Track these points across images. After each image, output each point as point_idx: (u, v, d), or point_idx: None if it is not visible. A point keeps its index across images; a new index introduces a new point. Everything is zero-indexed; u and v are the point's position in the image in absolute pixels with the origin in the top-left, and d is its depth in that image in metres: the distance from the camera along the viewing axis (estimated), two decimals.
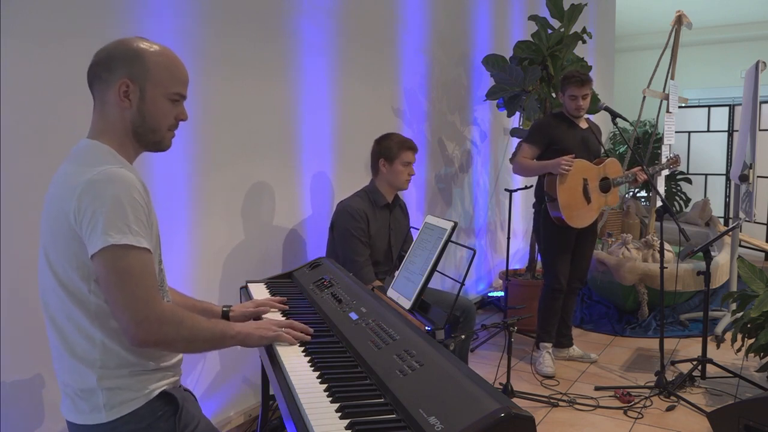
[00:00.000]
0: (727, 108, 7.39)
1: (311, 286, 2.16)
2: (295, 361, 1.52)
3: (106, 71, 1.36)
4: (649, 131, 7.49)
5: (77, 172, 1.29)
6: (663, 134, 4.92)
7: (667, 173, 5.68)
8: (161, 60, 1.38)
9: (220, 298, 2.67)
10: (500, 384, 3.17)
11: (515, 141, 4.79)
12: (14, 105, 1.90)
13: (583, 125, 3.55)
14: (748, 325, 3.18)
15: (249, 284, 2.30)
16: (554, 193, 3.37)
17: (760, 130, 5.51)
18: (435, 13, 4.20)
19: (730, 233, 4.50)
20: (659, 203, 3.77)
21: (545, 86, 4.25)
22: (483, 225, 5.10)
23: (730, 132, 7.36)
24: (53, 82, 2.00)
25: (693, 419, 2.97)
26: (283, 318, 1.84)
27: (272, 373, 1.52)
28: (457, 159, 4.63)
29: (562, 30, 4.24)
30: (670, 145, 4.89)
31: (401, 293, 2.04)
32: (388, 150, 2.91)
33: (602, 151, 3.62)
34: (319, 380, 1.40)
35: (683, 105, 5.55)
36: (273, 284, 2.31)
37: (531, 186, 4.29)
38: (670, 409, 3.06)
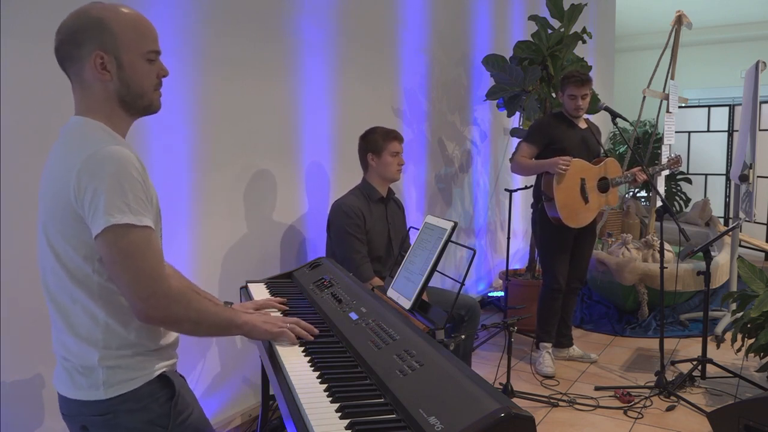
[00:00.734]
0: (727, 108, 7.39)
1: (311, 286, 2.16)
2: (295, 361, 1.52)
3: (75, 48, 1.31)
4: (649, 131, 7.49)
5: (72, 151, 1.27)
6: (663, 134, 4.92)
7: (668, 173, 5.69)
8: (127, 22, 1.33)
9: (219, 297, 2.66)
10: (500, 384, 3.17)
11: (515, 141, 4.79)
12: (14, 105, 1.90)
13: (583, 125, 3.55)
14: (748, 325, 3.18)
15: (249, 284, 2.30)
16: (551, 193, 3.37)
17: (760, 130, 5.51)
18: (435, 13, 4.20)
19: (730, 233, 4.50)
20: (659, 203, 3.78)
21: (545, 86, 4.25)
22: (483, 225, 5.10)
23: (730, 132, 7.36)
24: (53, 82, 2.00)
25: (693, 419, 2.97)
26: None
27: (272, 373, 1.52)
28: (457, 159, 4.62)
29: (562, 30, 4.24)
30: (670, 145, 4.90)
31: (401, 293, 2.04)
32: (374, 143, 2.91)
33: (601, 151, 3.62)
34: (319, 380, 1.40)
35: (683, 105, 5.55)
36: (273, 284, 2.31)
37: (531, 186, 4.29)
38: (670, 409, 3.06)
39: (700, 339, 3.44)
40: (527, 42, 4.23)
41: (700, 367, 3.40)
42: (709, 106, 7.59)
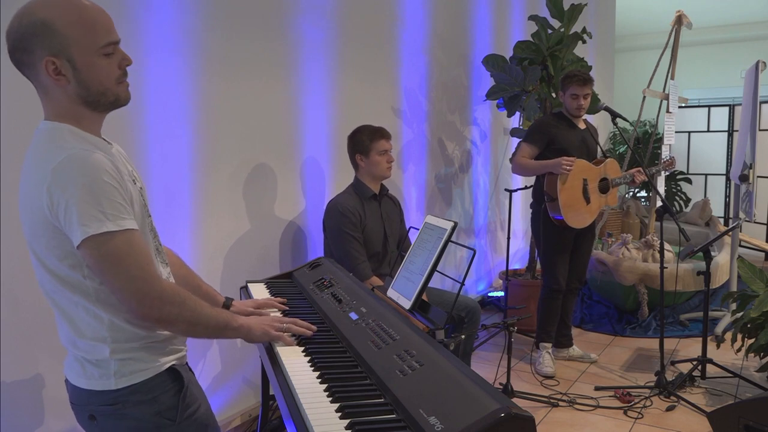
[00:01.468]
0: (727, 108, 7.38)
1: (311, 286, 2.16)
2: (295, 361, 1.52)
3: (25, 54, 1.24)
4: (649, 131, 7.49)
5: (41, 162, 1.24)
6: (663, 134, 4.92)
7: (667, 174, 5.69)
8: (73, 19, 1.23)
9: None
10: (500, 384, 3.17)
11: (515, 141, 4.79)
12: (15, 105, 1.90)
13: (582, 125, 3.55)
14: (748, 325, 3.18)
15: (249, 284, 2.30)
16: (555, 194, 3.36)
17: (760, 130, 5.51)
18: (435, 13, 4.20)
19: (730, 233, 4.50)
20: (659, 203, 3.78)
21: (545, 86, 4.25)
22: (483, 225, 5.10)
23: (730, 132, 7.35)
24: None
25: (693, 419, 2.97)
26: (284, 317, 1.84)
27: (272, 373, 1.52)
28: (457, 159, 4.62)
29: (562, 30, 4.24)
30: (670, 145, 4.90)
31: (401, 293, 2.04)
32: (361, 144, 2.90)
33: (599, 151, 3.62)
34: (319, 380, 1.40)
35: (683, 105, 5.55)
36: (273, 284, 2.31)
37: (531, 186, 4.29)
38: (670, 409, 3.06)
39: (700, 339, 3.44)
40: (527, 42, 4.23)
41: (700, 367, 3.40)
42: (709, 106, 7.58)
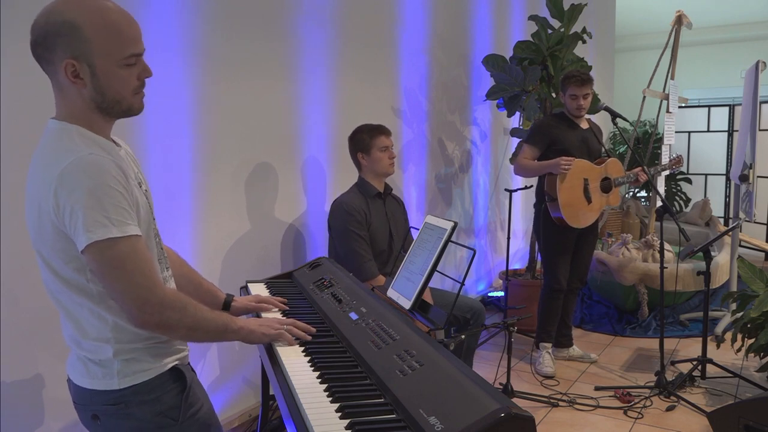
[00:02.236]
0: (727, 108, 7.38)
1: (311, 286, 2.16)
2: (295, 361, 1.52)
3: (47, 51, 1.23)
4: (649, 131, 7.49)
5: (49, 164, 1.24)
6: (663, 134, 4.92)
7: (668, 173, 5.69)
8: (103, 25, 1.22)
9: None
10: (500, 384, 3.17)
11: (515, 141, 4.79)
12: (15, 105, 1.90)
13: (584, 125, 3.55)
14: (748, 325, 3.18)
15: (249, 284, 2.31)
16: (554, 193, 3.36)
17: (760, 130, 5.51)
18: (435, 14, 4.20)
19: (730, 233, 4.50)
20: (659, 203, 3.78)
21: (545, 86, 4.25)
22: (483, 225, 5.10)
23: (730, 132, 7.35)
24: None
25: (693, 419, 2.97)
26: (284, 317, 1.84)
27: (272, 373, 1.52)
28: (457, 159, 4.62)
29: (562, 30, 4.24)
30: (670, 145, 4.90)
31: (401, 293, 2.04)
32: (362, 142, 2.91)
33: (603, 151, 3.62)
34: (319, 380, 1.40)
35: (683, 105, 5.55)
36: (273, 284, 2.31)
37: (531, 186, 4.29)
38: (670, 409, 3.06)
39: (700, 339, 3.44)
40: (527, 42, 4.23)
41: (700, 367, 3.40)
42: (709, 106, 7.58)
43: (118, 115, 1.32)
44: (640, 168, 3.56)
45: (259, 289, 2.22)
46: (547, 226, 3.50)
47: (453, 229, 1.97)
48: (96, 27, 1.22)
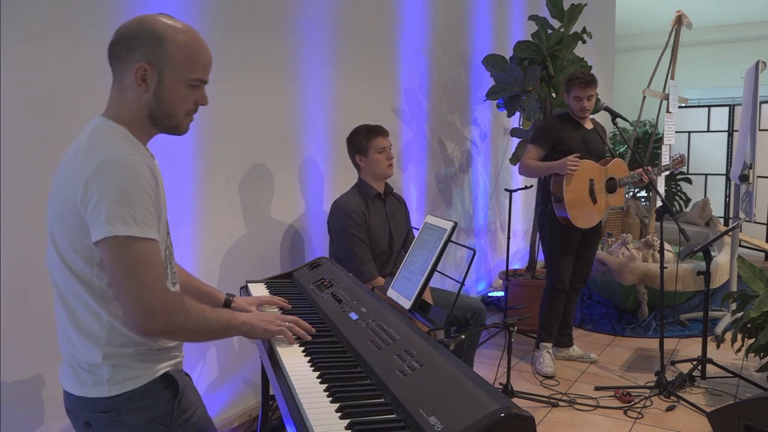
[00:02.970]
0: (727, 108, 7.38)
1: (311, 286, 2.16)
2: (295, 361, 1.52)
3: (126, 50, 1.32)
4: (649, 131, 7.49)
5: (87, 155, 1.27)
6: (663, 134, 4.92)
7: (668, 173, 5.69)
8: (183, 43, 1.33)
9: None
10: (500, 384, 3.17)
11: (515, 141, 4.79)
12: (15, 105, 1.90)
13: (588, 126, 3.55)
14: (748, 325, 3.18)
15: (249, 284, 2.30)
16: (561, 194, 3.37)
17: (760, 130, 5.51)
18: (435, 14, 4.20)
19: (730, 233, 4.50)
20: (659, 203, 3.78)
21: (545, 86, 4.25)
22: (483, 225, 5.10)
23: (730, 132, 7.35)
24: (54, 82, 2.00)
25: (693, 419, 2.97)
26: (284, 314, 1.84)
27: (272, 373, 1.52)
28: (457, 159, 4.62)
29: (562, 30, 4.24)
30: (670, 145, 4.89)
31: (401, 293, 2.04)
32: (358, 144, 2.89)
33: (607, 151, 3.63)
34: (319, 380, 1.40)
35: (683, 105, 5.55)
36: (273, 284, 2.31)
37: (531, 186, 4.29)
38: (670, 409, 3.06)
39: (700, 339, 3.44)
40: (527, 42, 4.23)
41: (700, 367, 3.40)
42: (709, 106, 7.58)
43: (163, 129, 1.39)
44: (642, 168, 3.56)
45: (259, 289, 2.22)
46: (553, 226, 3.50)
47: (453, 229, 1.97)
48: (177, 44, 1.33)
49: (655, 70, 5.14)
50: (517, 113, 4.38)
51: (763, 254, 6.38)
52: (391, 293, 2.10)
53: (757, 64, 4.29)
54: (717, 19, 8.33)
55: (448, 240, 1.96)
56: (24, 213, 1.91)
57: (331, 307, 1.88)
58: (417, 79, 4.05)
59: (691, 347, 4.03)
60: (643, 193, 7.22)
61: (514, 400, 2.46)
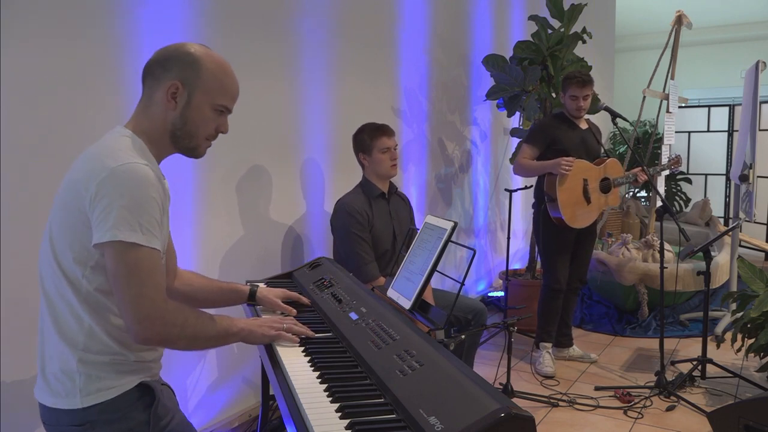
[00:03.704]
0: (727, 108, 7.38)
1: (311, 286, 2.16)
2: (295, 361, 1.52)
3: (161, 69, 1.39)
4: (649, 131, 7.49)
5: (103, 160, 1.29)
6: (663, 134, 4.92)
7: (668, 173, 5.69)
8: (216, 70, 1.41)
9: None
10: (500, 384, 3.17)
11: (515, 141, 4.79)
12: (15, 105, 1.90)
13: (583, 126, 3.55)
14: (748, 325, 3.18)
15: (249, 284, 2.30)
16: (554, 194, 3.36)
17: (760, 130, 5.51)
18: (435, 13, 4.20)
19: (730, 233, 4.50)
20: (659, 203, 3.78)
21: (545, 86, 4.25)
22: (483, 225, 5.10)
23: (730, 132, 7.36)
24: (54, 82, 2.00)
25: (693, 419, 2.97)
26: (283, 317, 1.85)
27: (272, 373, 1.52)
28: (457, 159, 4.62)
29: (562, 30, 4.24)
30: (670, 145, 4.90)
31: (401, 293, 2.04)
32: (363, 142, 2.87)
33: (602, 151, 3.62)
34: (319, 380, 1.40)
35: (683, 105, 5.55)
36: (273, 284, 2.31)
37: (531, 186, 4.29)
38: (670, 409, 3.06)
39: (700, 339, 3.44)
40: (527, 42, 4.23)
41: (700, 367, 3.40)
42: (709, 106, 7.58)
43: (182, 148, 1.46)
44: (639, 168, 3.56)
45: None
46: (546, 226, 3.50)
47: (453, 229, 1.97)
48: (211, 70, 1.41)
49: (655, 70, 5.14)
50: (517, 113, 4.38)
51: (763, 254, 6.38)
52: (391, 293, 2.10)
53: (757, 64, 4.29)
54: (717, 19, 8.33)
55: (448, 240, 1.96)
56: (24, 214, 1.91)
57: (331, 307, 1.88)
58: (417, 79, 4.05)
59: (691, 347, 4.03)
60: (643, 193, 7.22)
61: (514, 400, 2.46)
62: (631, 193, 6.38)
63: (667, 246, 4.26)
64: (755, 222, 5.80)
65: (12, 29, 1.88)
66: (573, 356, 3.78)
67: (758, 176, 5.06)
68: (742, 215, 4.39)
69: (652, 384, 3.26)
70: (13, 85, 1.89)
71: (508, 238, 4.22)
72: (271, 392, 2.17)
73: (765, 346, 3.09)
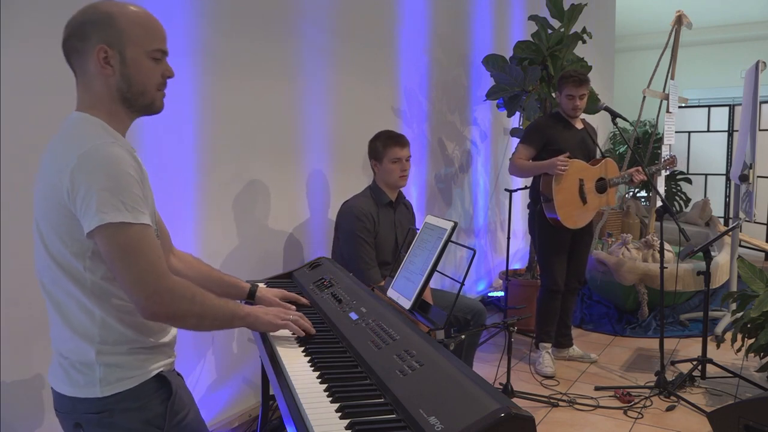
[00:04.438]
0: (727, 108, 7.38)
1: (311, 286, 2.16)
2: (295, 361, 1.52)
3: (81, 41, 1.30)
4: (649, 131, 7.49)
5: (68, 148, 1.26)
6: (663, 134, 4.92)
7: (667, 173, 5.69)
8: (135, 19, 1.32)
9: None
10: (500, 384, 3.17)
11: (515, 141, 4.79)
12: (15, 104, 1.90)
13: (579, 125, 3.55)
14: (748, 325, 3.18)
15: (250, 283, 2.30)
16: (550, 194, 3.36)
17: (760, 130, 5.51)
18: (435, 13, 4.20)
19: (730, 233, 4.50)
20: (659, 203, 3.78)
21: (545, 86, 4.25)
22: (483, 225, 5.10)
23: (730, 132, 7.36)
24: (54, 81, 2.00)
25: (693, 419, 2.97)
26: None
27: (272, 373, 1.52)
28: (457, 159, 4.62)
29: (562, 30, 4.24)
30: (670, 145, 4.89)
31: (401, 293, 2.04)
32: (375, 150, 2.87)
33: (598, 151, 3.62)
34: (319, 380, 1.40)
35: (683, 105, 5.55)
36: (273, 284, 2.31)
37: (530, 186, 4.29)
38: (670, 409, 3.06)
39: (700, 339, 3.44)
40: (527, 42, 4.23)
41: (700, 367, 3.40)
42: (709, 106, 7.58)
43: (140, 109, 1.37)
44: (635, 168, 3.55)
45: None
46: (542, 226, 3.50)
47: (453, 229, 1.97)
48: (129, 18, 1.32)
49: (655, 70, 5.14)
50: (517, 113, 4.38)
51: (763, 254, 6.38)
52: (391, 293, 2.10)
53: (757, 64, 4.29)
54: (717, 19, 8.33)
55: (448, 240, 1.96)
56: (24, 213, 1.91)
57: (331, 307, 1.88)
58: (417, 79, 4.05)
59: (691, 347, 4.03)
60: (643, 193, 7.22)
61: (514, 400, 2.46)
62: (631, 193, 6.38)
63: (667, 246, 4.26)
64: (755, 222, 5.80)
65: (12, 29, 1.88)
66: (573, 356, 3.78)
67: (758, 176, 5.06)
68: (742, 215, 4.39)
69: (652, 384, 3.26)
70: (13, 85, 1.89)
71: (508, 238, 4.22)
72: (271, 392, 2.17)
73: (765, 346, 3.09)
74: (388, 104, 3.77)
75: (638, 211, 5.86)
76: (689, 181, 7.25)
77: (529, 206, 3.68)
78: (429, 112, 4.21)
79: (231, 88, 2.68)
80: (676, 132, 5.26)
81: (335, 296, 1.95)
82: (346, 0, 3.33)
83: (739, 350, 3.26)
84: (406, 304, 1.98)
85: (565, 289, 3.61)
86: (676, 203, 7.21)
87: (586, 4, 4.50)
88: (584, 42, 4.26)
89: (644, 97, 5.04)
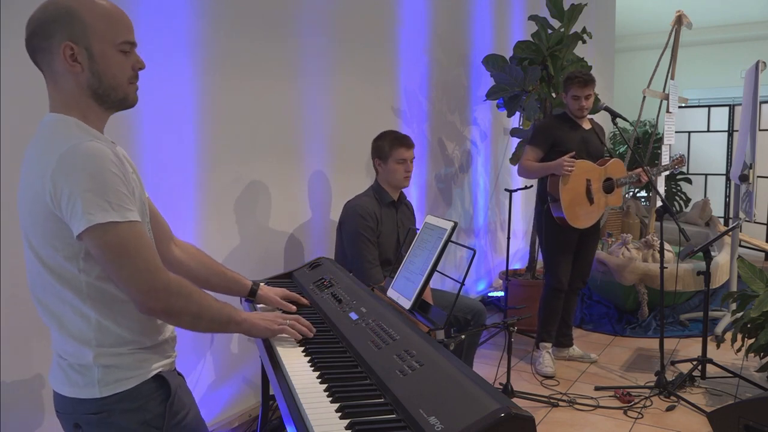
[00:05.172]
0: (727, 108, 7.38)
1: (311, 286, 2.16)
2: (295, 361, 1.52)
3: (45, 39, 1.25)
4: (649, 131, 7.49)
5: (46, 151, 1.24)
6: (663, 134, 4.92)
7: (668, 173, 5.69)
8: (98, 11, 1.27)
9: (220, 297, 2.66)
10: (500, 384, 3.17)
11: (515, 141, 4.79)
12: (15, 104, 1.90)
13: (586, 126, 3.55)
14: (748, 325, 3.18)
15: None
16: (557, 194, 3.37)
17: (760, 130, 5.51)
18: (435, 13, 4.20)
19: (730, 233, 4.50)
20: (659, 203, 3.78)
21: (545, 86, 4.25)
22: (483, 225, 5.10)
23: (730, 132, 7.35)
24: None
25: (693, 419, 2.97)
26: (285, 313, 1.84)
27: (272, 373, 1.52)
28: (457, 159, 4.62)
29: (562, 30, 4.24)
30: (670, 145, 4.90)
31: (401, 293, 2.04)
32: (381, 149, 2.87)
33: (605, 151, 3.62)
34: (319, 380, 1.40)
35: (683, 105, 5.55)
36: (273, 284, 2.30)
37: (531, 186, 4.29)
38: (670, 409, 3.06)
39: (700, 339, 3.44)
40: (527, 42, 4.23)
41: (700, 367, 3.40)
42: (709, 106, 7.58)
43: (113, 105, 1.33)
44: (642, 168, 3.56)
45: None
46: (549, 226, 3.50)
47: (453, 229, 1.97)
48: (92, 12, 1.26)
49: (655, 70, 5.14)
50: (517, 113, 4.38)
51: (763, 254, 6.38)
52: (391, 293, 2.10)
53: (757, 64, 4.29)
54: (717, 19, 8.33)
55: (448, 240, 1.96)
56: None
57: (331, 307, 1.88)
58: (417, 79, 4.05)
59: (691, 347, 4.03)
60: (643, 193, 7.22)
61: (514, 400, 2.46)
62: (631, 193, 6.38)
63: (667, 246, 4.26)
64: (755, 222, 5.80)
65: (12, 29, 1.88)
66: (573, 356, 3.78)
67: (758, 176, 5.07)
68: (742, 215, 4.39)
69: (652, 384, 3.26)
70: (13, 85, 1.89)
71: (508, 238, 4.22)
72: (271, 392, 2.17)
73: (765, 346, 3.09)
74: (388, 104, 3.77)
75: (638, 211, 5.86)
76: (689, 181, 7.25)
77: (536, 206, 3.68)
78: (429, 112, 4.21)
79: (231, 89, 2.68)
80: (676, 132, 5.26)
81: (335, 296, 1.95)
82: (347, 0, 3.33)
83: (739, 350, 3.26)
84: (406, 304, 1.98)
85: (568, 288, 3.61)
86: (676, 203, 7.21)
87: (586, 4, 4.50)
88: (584, 42, 4.26)
89: (644, 97, 5.05)
